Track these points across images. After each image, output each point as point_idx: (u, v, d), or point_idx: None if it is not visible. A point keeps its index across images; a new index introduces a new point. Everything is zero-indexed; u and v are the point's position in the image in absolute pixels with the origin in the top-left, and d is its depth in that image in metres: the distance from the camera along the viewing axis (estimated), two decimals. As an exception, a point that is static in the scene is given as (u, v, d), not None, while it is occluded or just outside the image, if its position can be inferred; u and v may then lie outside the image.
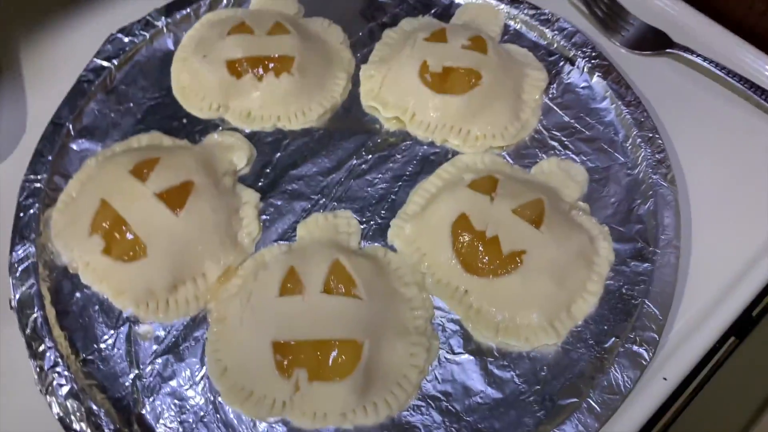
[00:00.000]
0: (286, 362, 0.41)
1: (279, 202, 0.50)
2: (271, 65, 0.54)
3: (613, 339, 0.42)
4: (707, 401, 0.45)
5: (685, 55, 0.57)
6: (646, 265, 0.45)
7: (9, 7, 0.60)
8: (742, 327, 0.46)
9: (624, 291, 0.44)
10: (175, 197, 0.46)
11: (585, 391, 0.40)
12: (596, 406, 0.39)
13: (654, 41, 0.59)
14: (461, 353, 0.43)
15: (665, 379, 0.42)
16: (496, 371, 0.42)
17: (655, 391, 0.42)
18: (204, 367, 0.42)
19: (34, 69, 0.58)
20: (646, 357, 0.41)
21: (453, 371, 0.42)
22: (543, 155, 0.52)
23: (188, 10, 0.59)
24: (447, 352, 0.43)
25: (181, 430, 0.40)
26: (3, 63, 0.57)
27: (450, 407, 0.41)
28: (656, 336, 0.42)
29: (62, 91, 0.53)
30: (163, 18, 0.58)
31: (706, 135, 0.54)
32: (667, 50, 0.58)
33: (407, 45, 0.55)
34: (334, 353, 0.40)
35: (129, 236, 0.44)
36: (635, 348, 0.41)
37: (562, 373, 0.42)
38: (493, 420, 0.40)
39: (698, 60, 0.56)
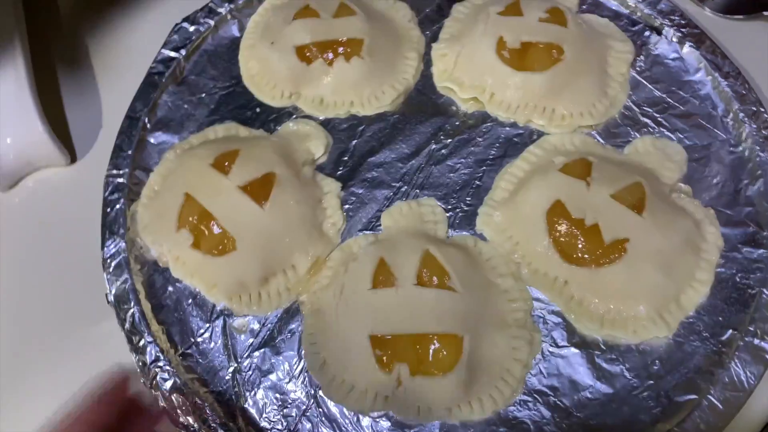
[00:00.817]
0: (385, 357, 0.39)
1: (360, 191, 0.48)
2: (341, 49, 0.52)
3: (731, 331, 0.40)
4: None
5: None
6: (761, 251, 0.42)
7: (76, 3, 0.59)
8: None
9: (738, 279, 0.42)
10: (258, 190, 0.45)
11: (704, 388, 0.38)
12: (718, 404, 0.37)
13: (747, 3, 0.55)
14: (566, 346, 0.41)
15: None
16: (604, 365, 0.40)
17: None
18: (302, 361, 0.42)
19: (105, 63, 0.57)
20: (769, 350, 0.39)
21: (558, 365, 0.40)
22: (636, 134, 0.49)
23: (251, -8, 0.57)
24: (550, 345, 0.41)
25: (285, 423, 0.40)
26: (75, 59, 0.57)
27: (558, 402, 0.39)
28: (780, 328, 0.39)
29: (133, 83, 0.52)
30: (226, 4, 0.56)
31: None
32: (764, 12, 0.54)
33: (480, 20, 0.53)
34: (434, 347, 0.39)
35: (217, 230, 0.44)
36: (756, 341, 0.39)
37: (677, 368, 0.39)
38: (606, 416, 0.38)
39: None
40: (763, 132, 0.47)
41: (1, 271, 0.48)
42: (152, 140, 0.51)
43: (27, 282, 0.48)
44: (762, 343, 0.39)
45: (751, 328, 0.39)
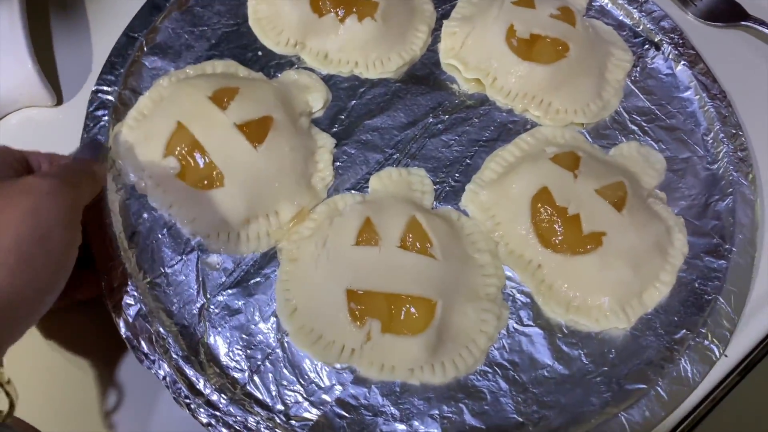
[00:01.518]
0: (359, 311, 0.40)
1: (353, 151, 0.49)
2: (355, 8, 0.51)
3: (684, 331, 0.42)
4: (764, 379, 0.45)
5: (760, 28, 0.56)
6: (721, 262, 0.45)
7: None
8: None
9: (697, 285, 0.44)
10: (254, 131, 0.44)
11: (653, 379, 0.40)
12: (664, 395, 0.40)
13: (728, 12, 0.58)
14: (530, 326, 0.43)
15: (726, 356, 0.42)
16: (564, 347, 0.42)
17: (717, 367, 0.42)
18: (273, 305, 0.42)
19: (97, 7, 0.55)
20: (717, 353, 0.41)
21: (521, 342, 0.42)
22: (622, 138, 0.51)
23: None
24: (516, 323, 0.43)
25: (247, 364, 0.40)
26: (68, 3, 0.55)
27: (516, 377, 0.41)
28: (728, 334, 0.42)
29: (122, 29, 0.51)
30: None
31: None
32: (741, 22, 0.57)
33: (494, 5, 0.54)
34: (407, 308, 0.40)
35: (206, 163, 0.43)
36: (706, 343, 0.42)
37: (630, 359, 0.42)
38: (559, 395, 0.40)
39: None
40: (739, 154, 0.49)
41: None
42: (147, 63, 0.49)
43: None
44: (711, 345, 0.42)
45: (703, 331, 0.42)
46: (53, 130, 0.49)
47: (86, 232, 0.39)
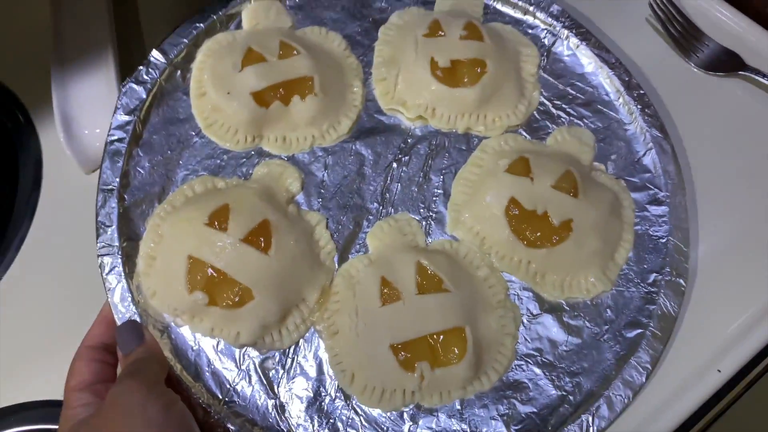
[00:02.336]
0: (407, 360, 0.47)
1: (342, 218, 0.54)
2: (295, 89, 0.56)
3: (654, 275, 0.52)
4: (760, 396, 0.52)
5: (757, 77, 0.61)
6: (662, 207, 0.55)
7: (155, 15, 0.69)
8: None
9: (651, 233, 0.54)
10: (259, 238, 0.49)
11: (645, 322, 0.50)
12: (657, 331, 0.50)
13: (727, 63, 0.63)
14: (539, 314, 0.51)
15: (719, 371, 0.49)
16: (571, 322, 0.51)
17: (710, 382, 0.49)
18: (333, 380, 0.48)
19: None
20: (683, 284, 0.52)
21: (537, 330, 0.51)
22: (553, 125, 0.59)
23: (186, 41, 0.59)
24: (528, 316, 0.51)
25: (334, 437, 0.47)
26: None
27: (544, 360, 0.50)
28: (686, 264, 0.52)
29: None
30: (164, 57, 0.58)
31: None
32: (740, 72, 0.62)
33: (408, 43, 0.60)
34: (445, 342, 0.48)
35: (231, 285, 0.48)
36: (673, 279, 0.52)
37: (623, 311, 0.51)
38: (582, 361, 0.50)
39: None
40: (647, 111, 0.59)
41: (80, 244, 0.54)
42: (132, 208, 0.52)
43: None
44: (678, 279, 0.52)
45: (667, 269, 0.52)
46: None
47: None
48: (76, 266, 0.55)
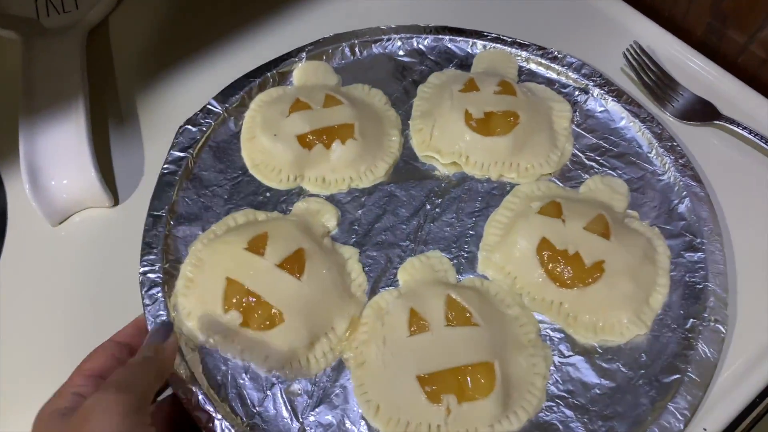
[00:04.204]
0: (434, 392, 0.46)
1: (374, 253, 0.56)
2: (336, 135, 0.60)
3: (692, 320, 0.51)
4: None
5: (731, 126, 0.62)
6: (699, 254, 0.54)
7: (128, 69, 0.72)
8: None
9: (687, 279, 0.53)
10: (294, 265, 0.51)
11: (683, 368, 0.48)
12: (696, 377, 0.48)
13: (702, 112, 0.64)
14: (571, 355, 0.50)
15: (705, 429, 0.47)
16: (604, 365, 0.50)
17: None
18: (358, 410, 0.48)
19: (149, 122, 0.67)
20: (723, 330, 0.50)
21: (569, 372, 0.49)
22: (585, 175, 0.61)
23: (241, 93, 0.64)
24: (559, 357, 0.50)
25: (356, 468, 0.46)
26: (124, 117, 0.68)
27: (576, 402, 0.48)
28: (725, 311, 0.51)
29: (170, 142, 0.61)
30: (220, 105, 0.63)
31: (753, 202, 0.59)
32: (715, 121, 0.64)
33: (445, 98, 0.63)
34: (473, 376, 0.47)
35: (264, 307, 0.49)
36: (712, 324, 0.50)
37: (659, 356, 0.50)
38: (615, 405, 0.48)
39: (744, 132, 0.62)
40: (680, 161, 0.60)
41: (44, 297, 0.55)
42: (177, 234, 0.56)
43: (71, 309, 0.56)
44: (717, 325, 0.50)
45: (706, 315, 0.50)
46: (111, 227, 0.60)
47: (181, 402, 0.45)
48: (41, 319, 0.55)
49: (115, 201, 0.61)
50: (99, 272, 0.57)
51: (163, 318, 0.50)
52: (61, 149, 0.58)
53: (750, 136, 0.62)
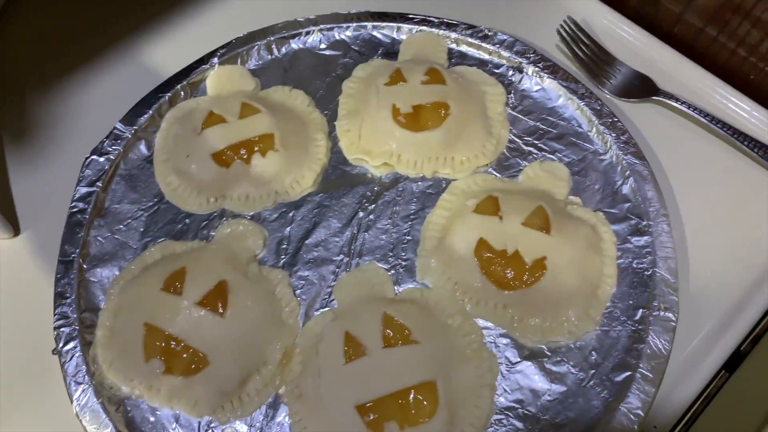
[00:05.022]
0: (374, 421, 0.44)
1: (306, 273, 0.52)
2: (255, 147, 0.56)
3: (641, 311, 0.48)
4: None
5: (670, 101, 0.60)
6: (645, 237, 0.51)
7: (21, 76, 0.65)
8: (731, 361, 0.49)
9: (635, 266, 0.51)
10: (215, 300, 0.47)
11: (634, 363, 0.46)
12: (648, 373, 0.45)
13: (640, 88, 0.61)
14: (519, 362, 0.48)
15: (655, 427, 0.46)
16: (553, 368, 0.47)
17: None
18: (299, 449, 0.45)
19: (51, 138, 0.61)
20: (674, 318, 0.47)
21: (517, 379, 0.47)
22: (524, 162, 0.57)
23: (150, 112, 0.59)
24: (506, 365, 0.47)
25: None
26: (20, 134, 0.61)
27: (526, 412, 0.46)
28: (675, 297, 0.48)
29: (80, 159, 0.56)
30: (128, 127, 0.58)
31: (698, 178, 0.57)
32: (653, 97, 0.60)
33: (371, 94, 0.59)
34: (414, 398, 0.44)
35: (187, 351, 0.46)
36: (662, 314, 0.47)
37: (609, 353, 0.47)
38: (567, 412, 0.45)
39: (683, 107, 0.59)
40: (622, 138, 0.56)
41: None
42: (92, 278, 0.52)
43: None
44: (666, 314, 0.47)
45: (655, 304, 0.48)
46: (11, 262, 0.55)
47: None
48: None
49: (16, 231, 0.56)
50: (1, 313, 0.52)
51: (83, 373, 0.47)
52: None
53: (689, 111, 0.59)
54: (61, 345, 0.48)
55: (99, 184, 0.55)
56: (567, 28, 0.65)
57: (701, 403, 0.48)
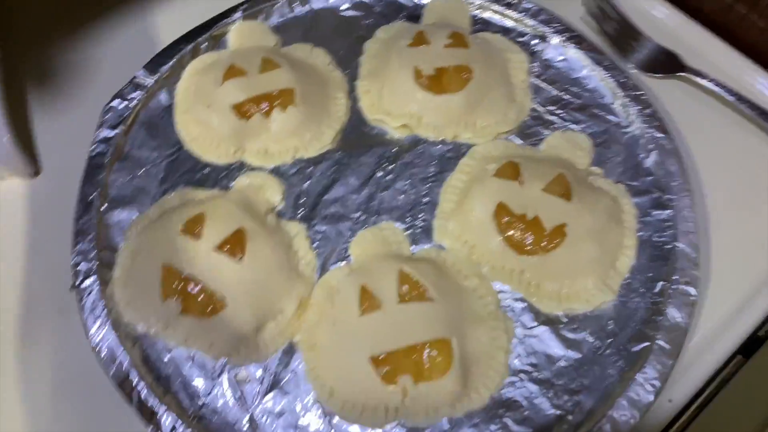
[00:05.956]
0: (388, 373, 0.44)
1: (324, 228, 0.52)
2: (275, 101, 0.55)
3: (661, 283, 0.48)
4: (710, 421, 0.48)
5: (697, 79, 0.58)
6: (667, 211, 0.51)
7: (44, 20, 0.65)
8: (748, 346, 0.49)
9: (655, 239, 0.50)
10: (233, 246, 0.47)
11: (652, 335, 0.46)
12: (666, 345, 0.45)
13: (666, 63, 0.60)
14: (535, 326, 0.47)
15: (670, 401, 0.45)
16: (569, 335, 0.47)
17: (662, 413, 0.45)
18: (311, 394, 0.45)
19: (73, 80, 0.61)
20: (693, 293, 0.47)
21: (533, 344, 0.47)
22: (546, 131, 0.57)
23: (172, 62, 0.59)
24: (522, 329, 0.47)
25: (310, 456, 0.43)
26: (45, 76, 0.61)
27: (540, 376, 0.45)
28: (696, 273, 0.48)
29: (101, 100, 0.56)
30: (150, 76, 0.58)
31: (721, 156, 0.56)
32: (679, 73, 0.59)
33: (393, 54, 0.58)
34: (428, 354, 0.44)
35: (204, 293, 0.46)
36: (682, 287, 0.47)
37: (627, 323, 0.47)
38: (582, 378, 0.45)
39: (709, 85, 0.58)
40: (646, 111, 0.56)
41: None
42: (110, 220, 0.51)
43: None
44: (687, 287, 0.47)
45: (675, 277, 0.48)
46: (31, 200, 0.55)
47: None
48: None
49: (36, 171, 0.56)
50: (20, 251, 0.52)
51: (100, 309, 0.46)
52: None
53: (716, 89, 0.58)
54: (78, 281, 0.48)
55: (120, 128, 0.55)
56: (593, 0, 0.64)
57: (717, 385, 0.48)
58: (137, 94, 0.57)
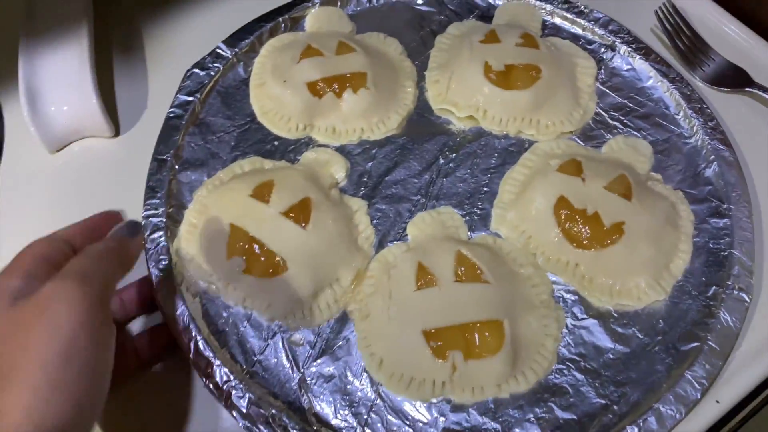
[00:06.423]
0: (439, 347, 0.45)
1: (383, 207, 0.54)
2: (348, 83, 0.57)
3: (714, 288, 0.48)
4: (758, 428, 0.48)
5: (764, 95, 0.59)
6: (725, 220, 0.51)
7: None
8: None
9: (711, 245, 0.51)
10: (299, 213, 0.49)
11: (703, 336, 0.46)
12: (716, 346, 0.45)
13: (733, 78, 0.61)
14: (585, 318, 0.48)
15: (718, 402, 0.45)
16: (619, 329, 0.47)
17: (708, 413, 0.45)
18: (360, 362, 0.46)
19: (155, 53, 0.65)
20: (747, 299, 0.47)
21: (582, 335, 0.47)
22: (608, 135, 0.58)
23: (251, 38, 0.62)
24: (572, 320, 0.48)
25: (356, 421, 0.44)
26: (130, 46, 0.65)
27: (588, 366, 0.46)
28: (750, 280, 0.48)
29: (177, 75, 0.59)
30: (230, 49, 0.61)
31: None
32: (746, 89, 0.60)
33: (464, 48, 0.60)
34: (481, 333, 0.45)
35: (267, 255, 0.48)
36: (736, 293, 0.48)
37: (678, 323, 0.47)
38: (629, 371, 0.46)
39: None
40: (709, 124, 0.56)
41: (39, 225, 0.46)
42: (182, 179, 0.54)
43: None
44: (740, 294, 0.47)
45: (729, 283, 0.48)
46: (110, 158, 0.58)
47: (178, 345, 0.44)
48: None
49: (116, 131, 0.59)
50: (96, 204, 0.52)
51: (165, 263, 0.49)
52: (62, 74, 0.55)
53: (783, 105, 0.59)
54: (147, 233, 0.50)
55: (198, 95, 0.58)
56: (666, 12, 0.65)
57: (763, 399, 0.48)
58: (217, 65, 0.60)
